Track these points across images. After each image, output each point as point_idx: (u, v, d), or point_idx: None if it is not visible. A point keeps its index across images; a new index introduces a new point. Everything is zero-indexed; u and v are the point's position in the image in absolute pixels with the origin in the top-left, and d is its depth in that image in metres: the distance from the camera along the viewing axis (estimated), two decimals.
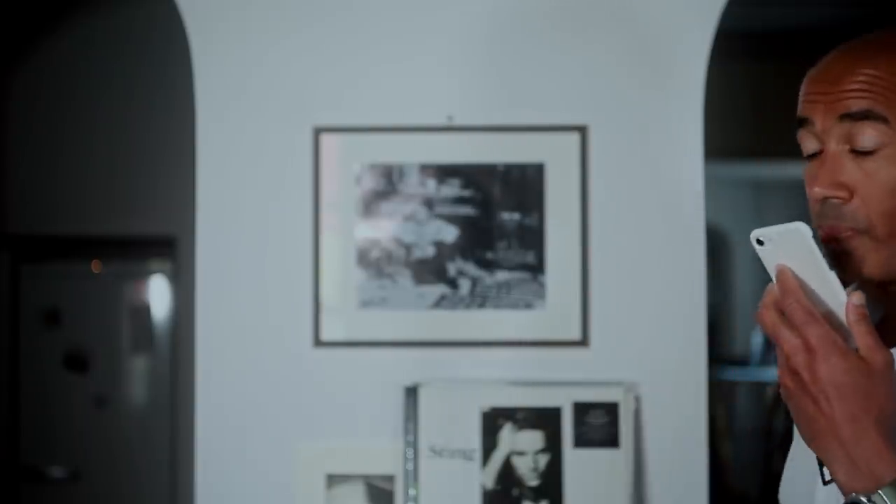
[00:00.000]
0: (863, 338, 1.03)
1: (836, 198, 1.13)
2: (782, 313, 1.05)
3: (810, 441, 1.07)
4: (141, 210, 4.66)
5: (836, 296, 1.05)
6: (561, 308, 2.33)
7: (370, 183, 2.35)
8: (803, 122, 1.18)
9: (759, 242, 1.09)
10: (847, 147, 1.14)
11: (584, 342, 2.32)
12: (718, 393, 7.39)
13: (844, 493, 1.06)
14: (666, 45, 2.36)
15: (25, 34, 4.74)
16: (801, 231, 1.06)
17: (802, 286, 1.06)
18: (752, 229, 1.17)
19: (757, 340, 9.89)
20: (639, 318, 2.34)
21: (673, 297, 2.34)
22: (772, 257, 1.08)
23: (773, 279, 1.08)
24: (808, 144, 1.17)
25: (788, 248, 1.07)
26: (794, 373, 1.03)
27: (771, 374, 8.88)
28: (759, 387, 9.00)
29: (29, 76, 4.78)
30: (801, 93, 1.19)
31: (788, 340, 1.03)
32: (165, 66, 4.22)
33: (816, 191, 1.13)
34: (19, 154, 4.76)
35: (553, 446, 2.27)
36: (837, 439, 1.04)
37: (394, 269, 2.34)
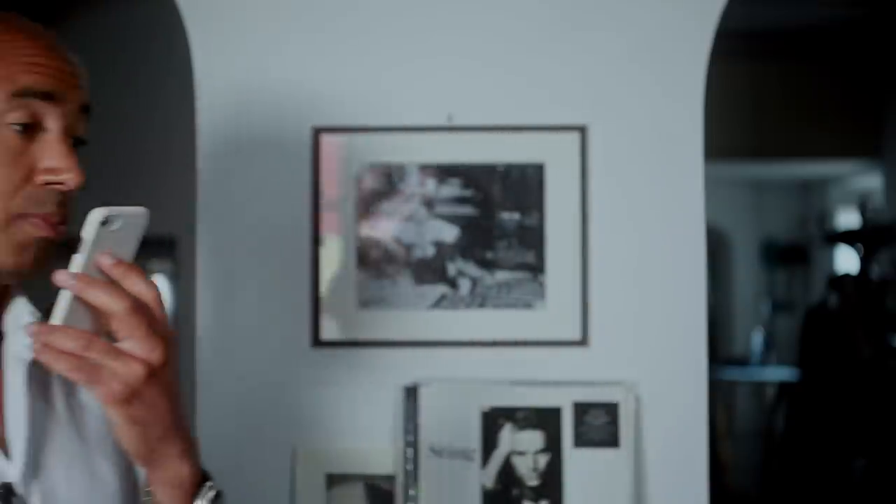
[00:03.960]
0: None
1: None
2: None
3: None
4: None
5: None
6: (561, 308, 2.33)
7: (370, 183, 2.35)
8: (49, 98, 1.15)
9: (104, 223, 1.08)
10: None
11: (584, 342, 2.32)
12: (718, 393, 7.40)
13: None
14: (666, 45, 2.36)
15: None
16: (144, 216, 1.14)
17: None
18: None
19: (757, 340, 9.90)
20: (639, 318, 2.34)
21: (673, 297, 2.34)
22: (107, 241, 1.09)
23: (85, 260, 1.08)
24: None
25: (128, 235, 1.11)
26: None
27: (771, 374, 8.89)
28: (759, 387, 9.01)
29: None
30: (33, 62, 1.15)
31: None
32: (165, 66, 4.22)
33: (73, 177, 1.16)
34: None
35: (553, 446, 2.27)
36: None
37: (394, 269, 2.34)
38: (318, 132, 2.35)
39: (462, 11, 2.38)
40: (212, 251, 2.37)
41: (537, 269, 2.34)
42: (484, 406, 2.29)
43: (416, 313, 2.34)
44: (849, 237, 8.40)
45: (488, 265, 2.34)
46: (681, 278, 2.35)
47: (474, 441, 2.28)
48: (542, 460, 2.27)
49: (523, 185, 2.35)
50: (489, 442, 2.28)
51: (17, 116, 1.11)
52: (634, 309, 2.34)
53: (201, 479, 1.18)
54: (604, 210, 2.35)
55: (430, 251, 2.35)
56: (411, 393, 2.29)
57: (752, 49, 6.31)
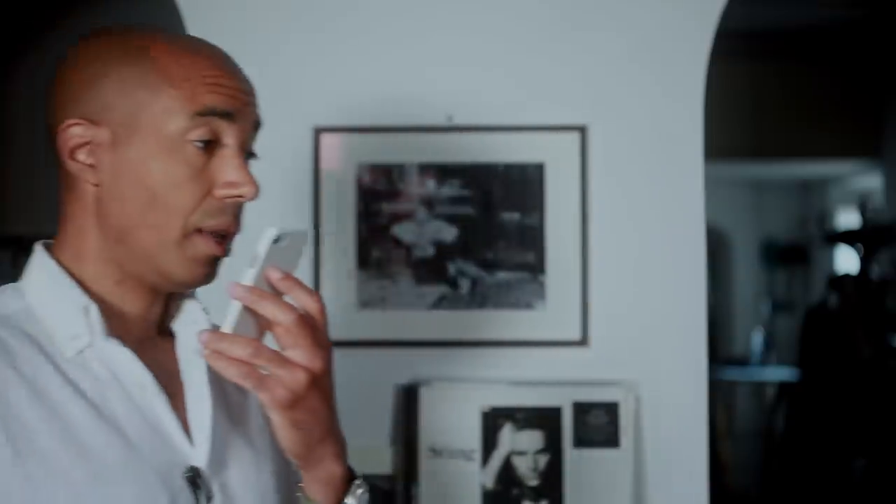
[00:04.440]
0: None
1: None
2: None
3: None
4: None
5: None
6: (561, 308, 2.33)
7: (370, 183, 2.35)
8: (228, 116, 1.21)
9: (276, 241, 1.15)
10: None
11: (584, 342, 2.32)
12: (718, 393, 7.40)
13: None
14: (666, 45, 2.36)
15: (25, 34, 4.74)
16: (308, 235, 1.19)
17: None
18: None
19: (757, 340, 9.90)
20: (639, 318, 2.34)
21: (673, 297, 2.34)
22: (275, 257, 1.16)
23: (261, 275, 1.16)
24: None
25: (293, 251, 1.18)
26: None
27: (771, 374, 8.89)
28: (759, 387, 9.01)
29: (29, 76, 4.78)
30: (216, 82, 1.20)
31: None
32: None
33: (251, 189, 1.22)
34: (19, 154, 4.76)
35: (553, 446, 2.27)
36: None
37: (394, 269, 2.34)
38: (318, 132, 2.35)
39: (462, 12, 2.38)
40: None
41: (537, 269, 2.34)
42: (484, 406, 2.29)
43: (416, 313, 2.34)
44: (849, 237, 8.40)
45: (488, 265, 2.34)
46: (681, 278, 2.35)
47: (474, 441, 2.28)
48: (542, 460, 2.27)
49: (523, 185, 2.35)
50: (489, 442, 2.28)
51: (199, 134, 1.16)
52: (634, 309, 2.34)
53: (351, 476, 1.25)
54: (604, 210, 2.35)
55: (430, 251, 2.35)
56: (411, 393, 2.29)
57: (752, 49, 6.31)
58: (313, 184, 2.35)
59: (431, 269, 2.34)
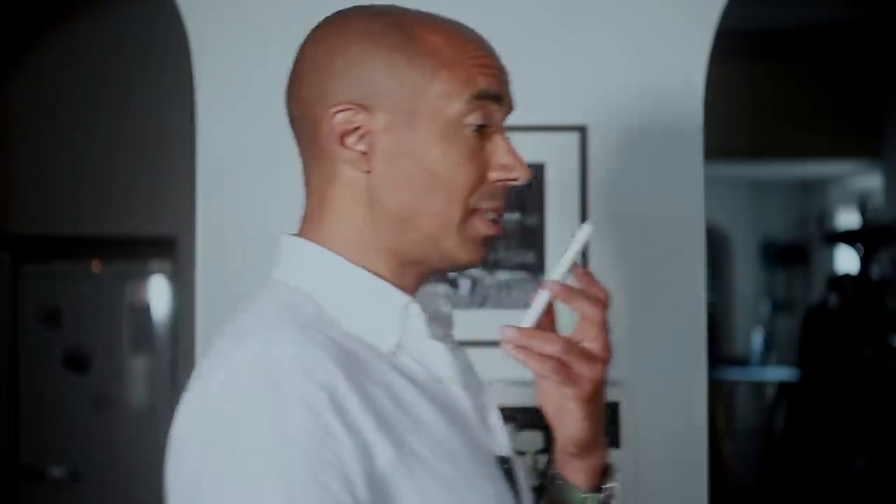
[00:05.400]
0: None
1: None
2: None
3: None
4: (141, 210, 4.66)
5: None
6: (561, 308, 2.32)
7: None
8: (498, 99, 1.19)
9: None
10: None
11: None
12: (718, 393, 7.40)
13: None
14: (666, 46, 2.36)
15: (25, 34, 4.75)
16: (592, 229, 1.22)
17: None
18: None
19: (757, 340, 9.89)
20: (639, 318, 2.34)
21: (673, 297, 2.34)
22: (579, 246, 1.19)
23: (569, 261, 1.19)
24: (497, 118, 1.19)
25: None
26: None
27: (771, 374, 8.89)
28: (759, 387, 9.01)
29: (29, 76, 4.78)
30: (485, 64, 1.18)
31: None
32: (165, 66, 4.23)
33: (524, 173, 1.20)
34: (19, 154, 4.76)
35: (553, 446, 2.27)
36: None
37: None
38: None
39: (462, 12, 2.38)
40: (212, 251, 2.37)
41: (537, 269, 2.34)
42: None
43: None
44: (849, 237, 8.40)
45: (488, 265, 2.34)
46: (681, 278, 2.35)
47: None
48: (542, 460, 2.27)
49: (523, 185, 2.34)
50: None
51: (475, 118, 1.14)
52: (634, 309, 2.34)
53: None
54: (604, 210, 2.35)
55: None
56: None
57: (752, 49, 6.31)
58: None
59: None
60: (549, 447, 2.28)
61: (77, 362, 4.76)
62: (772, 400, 8.28)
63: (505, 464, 1.18)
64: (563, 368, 1.14)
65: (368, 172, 1.13)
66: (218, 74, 2.37)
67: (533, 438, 2.28)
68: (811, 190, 10.18)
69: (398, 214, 1.13)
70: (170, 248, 4.68)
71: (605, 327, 1.18)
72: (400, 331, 1.13)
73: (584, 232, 1.18)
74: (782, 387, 8.13)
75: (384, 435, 1.02)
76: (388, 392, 1.06)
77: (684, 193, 2.35)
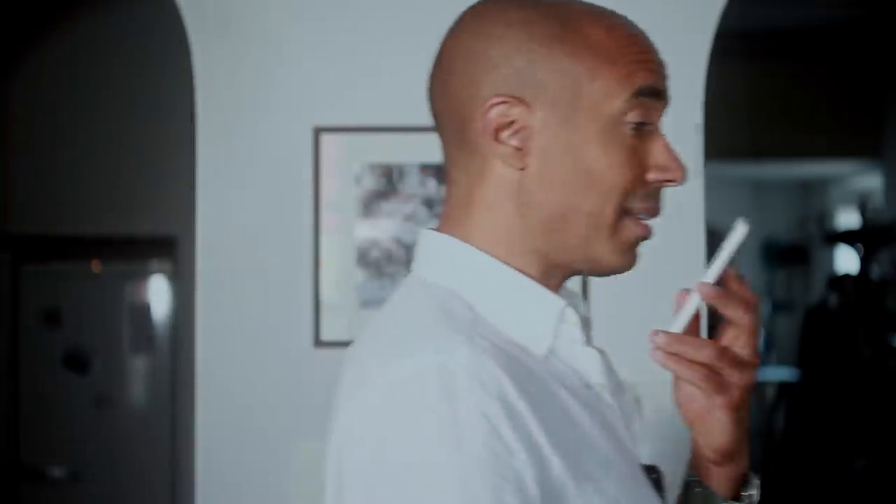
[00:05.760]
0: None
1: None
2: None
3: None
4: (141, 210, 4.66)
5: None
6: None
7: (370, 183, 2.35)
8: (659, 95, 1.11)
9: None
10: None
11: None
12: None
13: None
14: (665, 46, 2.36)
15: (25, 34, 4.75)
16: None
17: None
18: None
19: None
20: (639, 318, 2.34)
21: (673, 298, 2.33)
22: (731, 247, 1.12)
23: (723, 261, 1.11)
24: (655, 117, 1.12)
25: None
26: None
27: (771, 374, 8.89)
28: (759, 387, 9.01)
29: (29, 76, 4.78)
30: (646, 59, 1.10)
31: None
32: (165, 66, 4.23)
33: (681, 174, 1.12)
34: (19, 154, 4.76)
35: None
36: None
37: (394, 269, 2.34)
38: (318, 132, 2.35)
39: (462, 12, 2.38)
40: (212, 251, 2.37)
41: None
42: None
43: None
44: (849, 237, 8.39)
45: None
46: (681, 278, 2.34)
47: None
48: None
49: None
50: None
51: (635, 115, 1.07)
52: (634, 309, 2.34)
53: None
54: None
55: None
56: None
57: (752, 49, 6.31)
58: (313, 184, 2.34)
59: None
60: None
61: (77, 362, 4.76)
62: (772, 400, 8.27)
63: (653, 473, 1.15)
64: (713, 376, 1.08)
65: (521, 169, 1.07)
66: (218, 74, 2.37)
67: None
68: (811, 190, 10.18)
69: (550, 214, 1.07)
70: (170, 248, 4.68)
71: (754, 333, 1.11)
72: (554, 336, 1.08)
73: (739, 232, 1.10)
74: (782, 387, 8.13)
75: (556, 449, 0.98)
76: (555, 403, 1.03)
77: (684, 193, 2.35)
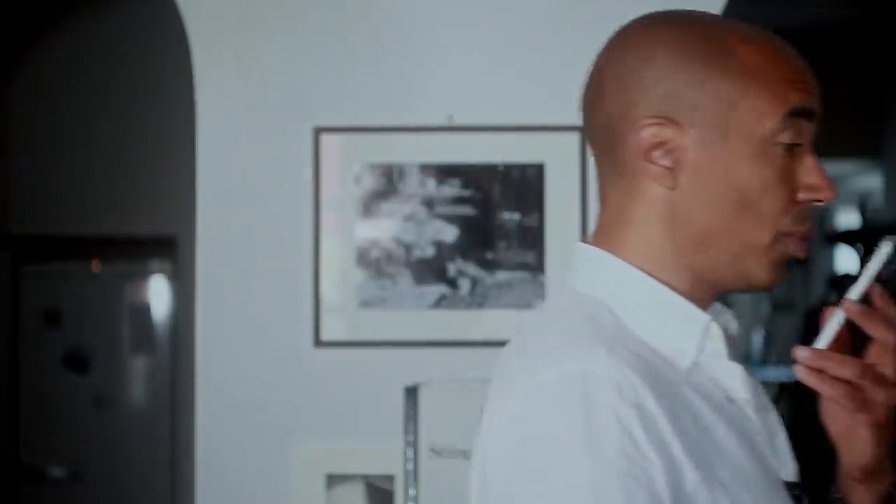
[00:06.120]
0: None
1: None
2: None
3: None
4: (141, 210, 4.67)
5: None
6: None
7: (370, 183, 2.35)
8: (811, 115, 1.11)
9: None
10: None
11: None
12: None
13: None
14: None
15: (25, 34, 4.75)
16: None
17: None
18: None
19: (757, 340, 9.89)
20: None
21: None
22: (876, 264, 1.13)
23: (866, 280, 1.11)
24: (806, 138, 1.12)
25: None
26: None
27: (771, 373, 8.89)
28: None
29: (29, 76, 4.78)
30: (798, 78, 1.11)
31: None
32: (165, 66, 4.23)
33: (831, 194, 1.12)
34: (19, 154, 4.76)
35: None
36: None
37: (394, 269, 2.34)
38: (318, 132, 2.35)
39: (463, 12, 2.38)
40: (212, 251, 2.37)
41: (537, 269, 2.34)
42: (484, 406, 2.29)
43: (416, 313, 2.34)
44: (849, 237, 8.39)
45: (488, 265, 2.34)
46: None
47: (474, 441, 2.27)
48: None
49: (523, 185, 2.35)
50: None
51: (788, 136, 1.08)
52: None
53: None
54: None
55: (430, 251, 2.35)
56: (411, 393, 2.29)
57: None
58: (313, 184, 2.35)
59: (431, 269, 2.34)
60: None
61: (77, 362, 4.76)
62: (772, 400, 8.27)
63: (794, 490, 1.16)
64: (857, 394, 1.09)
65: (672, 189, 1.09)
66: (218, 74, 2.37)
67: None
68: None
69: (701, 233, 1.09)
70: (170, 248, 4.68)
71: None
72: (699, 350, 1.09)
73: (884, 250, 1.10)
74: (782, 387, 8.12)
75: (690, 457, 1.00)
76: (690, 412, 1.05)
77: None
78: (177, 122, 3.79)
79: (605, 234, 1.13)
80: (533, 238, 2.34)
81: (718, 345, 1.11)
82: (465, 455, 2.28)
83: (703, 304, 1.12)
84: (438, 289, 2.34)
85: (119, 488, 4.70)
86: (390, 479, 2.30)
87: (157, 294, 4.86)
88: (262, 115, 2.37)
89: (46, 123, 4.74)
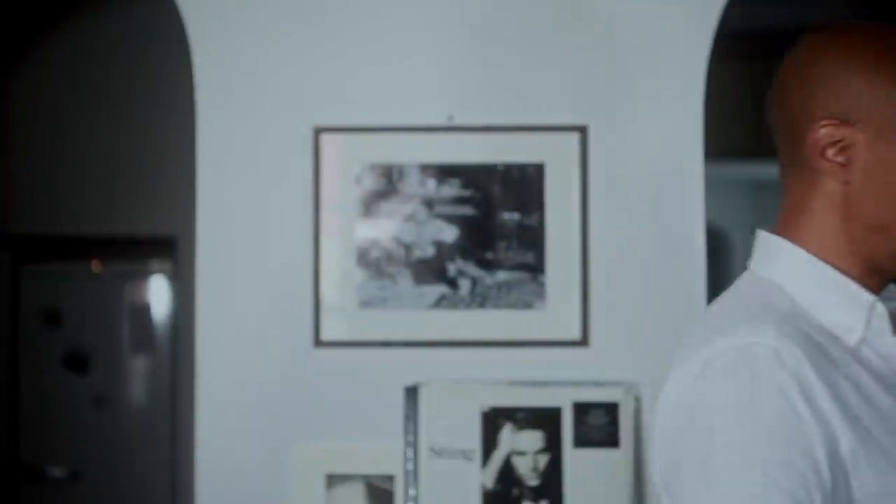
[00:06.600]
0: None
1: None
2: None
3: None
4: (141, 210, 4.67)
5: None
6: (561, 308, 2.33)
7: (370, 183, 2.35)
8: None
9: None
10: None
11: (584, 342, 2.32)
12: None
13: None
14: (666, 45, 2.36)
15: (25, 34, 4.75)
16: None
17: None
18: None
19: None
20: (639, 318, 2.34)
21: (673, 297, 2.34)
22: None
23: None
24: None
25: None
26: None
27: None
28: None
29: (29, 76, 4.78)
30: None
31: None
32: (165, 66, 4.22)
33: None
34: (19, 154, 4.76)
35: (553, 446, 2.27)
36: None
37: (394, 269, 2.34)
38: (318, 132, 2.35)
39: (463, 12, 2.38)
40: (212, 251, 2.37)
41: (537, 269, 2.34)
42: (484, 406, 2.29)
43: (416, 313, 2.34)
44: None
45: (488, 265, 2.34)
46: (681, 278, 2.35)
47: (474, 441, 2.28)
48: (542, 460, 2.27)
49: (523, 185, 2.35)
50: (489, 442, 2.28)
51: None
52: (634, 309, 2.34)
53: None
54: (604, 210, 2.35)
55: (430, 251, 2.35)
56: (411, 393, 2.29)
57: (752, 49, 6.31)
58: (313, 184, 2.35)
59: (431, 269, 2.34)
60: (548, 447, 2.28)
61: (77, 362, 4.76)
62: None
63: None
64: None
65: (846, 183, 1.20)
66: (218, 74, 2.37)
67: (533, 438, 2.28)
68: None
69: (874, 224, 1.20)
70: (170, 248, 4.68)
71: None
72: (865, 327, 1.19)
73: None
74: None
75: (848, 423, 1.11)
76: (853, 383, 1.14)
77: (684, 193, 2.35)
78: (177, 122, 3.78)
79: (785, 223, 1.25)
80: (533, 238, 2.34)
81: (883, 323, 1.20)
82: (466, 455, 2.28)
83: (874, 289, 1.23)
84: (438, 289, 2.34)
85: (119, 488, 4.70)
86: (390, 479, 2.30)
87: (157, 294, 4.86)
88: (262, 115, 2.37)
89: (46, 123, 4.74)
